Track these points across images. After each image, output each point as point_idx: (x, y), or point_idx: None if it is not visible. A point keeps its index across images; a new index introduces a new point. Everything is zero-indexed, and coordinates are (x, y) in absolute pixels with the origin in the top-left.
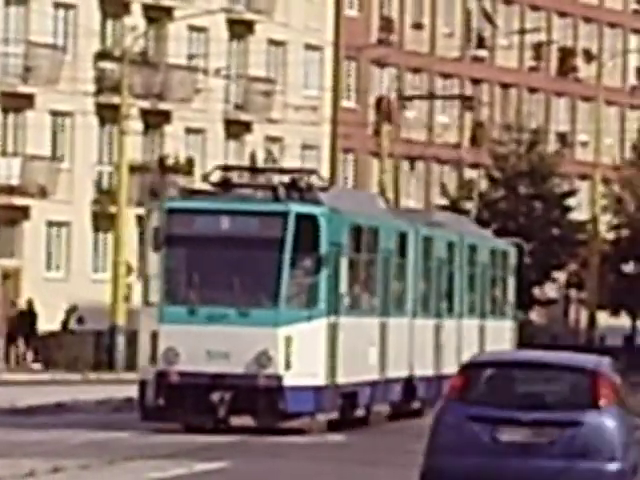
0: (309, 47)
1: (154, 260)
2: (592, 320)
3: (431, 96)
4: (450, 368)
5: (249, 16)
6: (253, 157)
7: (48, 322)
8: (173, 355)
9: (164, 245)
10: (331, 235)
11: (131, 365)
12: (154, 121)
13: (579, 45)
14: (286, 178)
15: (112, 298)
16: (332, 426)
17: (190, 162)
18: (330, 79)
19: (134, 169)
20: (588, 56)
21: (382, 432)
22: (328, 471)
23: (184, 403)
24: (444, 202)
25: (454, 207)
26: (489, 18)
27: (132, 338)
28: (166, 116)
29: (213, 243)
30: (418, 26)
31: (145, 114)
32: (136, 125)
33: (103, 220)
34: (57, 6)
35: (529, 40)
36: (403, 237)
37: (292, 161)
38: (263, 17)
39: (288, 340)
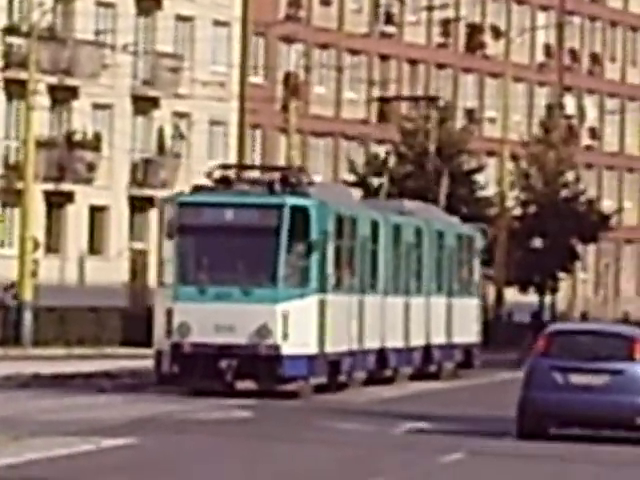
0: (217, 23)
1: (168, 247)
2: (500, 296)
3: (399, 98)
4: (418, 340)
5: None
6: (161, 133)
7: None
8: (186, 329)
9: (176, 234)
10: (320, 224)
11: (38, 341)
12: (61, 97)
13: (487, 21)
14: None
15: (19, 274)
16: (319, 389)
17: (97, 138)
18: (238, 55)
19: (41, 145)
20: (496, 33)
21: (290, 409)
22: (232, 446)
23: (196, 370)
24: (352, 178)
25: (362, 183)
26: None
27: (38, 314)
28: (73, 92)
29: (219, 232)
30: (326, 2)
31: (52, 90)
32: (43, 101)
33: (10, 196)
34: None
35: (437, 16)
36: (375, 225)
37: (200, 137)
38: None
39: (285, 315)
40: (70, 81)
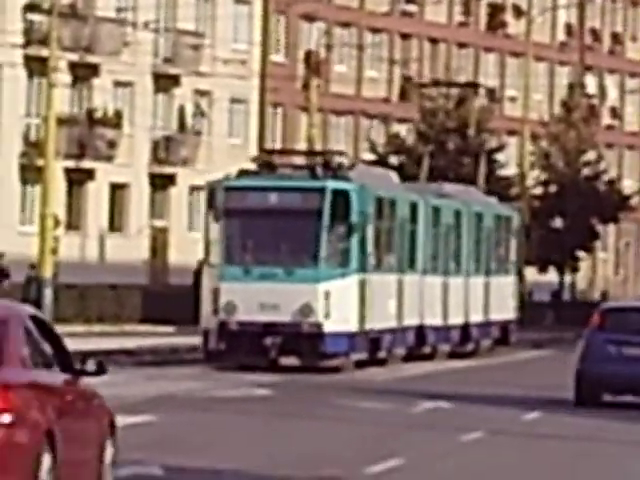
0: (238, 1)
1: (214, 229)
2: (520, 276)
3: (448, 84)
4: (457, 318)
5: None
6: (182, 111)
7: None
8: (232, 307)
9: (223, 217)
10: (360, 206)
11: (57, 318)
12: (82, 74)
13: (508, 1)
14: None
15: (39, 251)
16: (359, 365)
17: (118, 115)
18: (259, 33)
19: (62, 122)
20: (517, 11)
21: (309, 388)
22: (251, 424)
23: (242, 347)
24: (372, 157)
25: (382, 162)
26: None
27: (58, 291)
28: (94, 69)
29: (263, 215)
30: None
31: (73, 67)
32: (64, 78)
33: (30, 173)
34: None
35: None
36: (414, 207)
37: (220, 115)
38: None
39: (326, 294)
40: (91, 58)
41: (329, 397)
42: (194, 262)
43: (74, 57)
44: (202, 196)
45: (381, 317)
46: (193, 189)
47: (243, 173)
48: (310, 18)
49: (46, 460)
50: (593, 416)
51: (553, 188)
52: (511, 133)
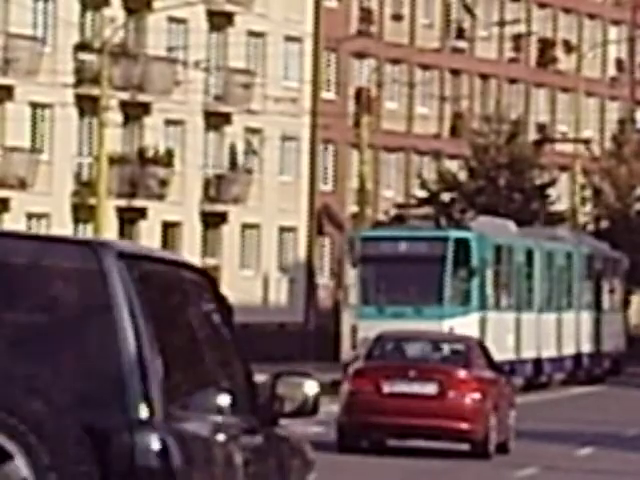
0: (289, 39)
1: (351, 274)
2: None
3: (556, 139)
4: (569, 349)
5: (229, 7)
6: (233, 149)
7: None
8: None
9: (360, 263)
10: (479, 252)
11: None
12: (134, 113)
13: (559, 36)
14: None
15: None
16: None
17: (170, 154)
18: (310, 71)
19: (113, 161)
20: (568, 47)
21: None
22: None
23: None
24: (423, 194)
25: (433, 199)
26: (468, 9)
27: None
28: (146, 108)
29: (395, 261)
30: (398, 17)
31: (125, 106)
32: (116, 117)
33: (83, 212)
34: None
35: (509, 31)
36: (530, 252)
37: (272, 153)
38: (243, 8)
39: (450, 329)
40: (142, 97)
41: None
42: (247, 300)
43: (125, 96)
44: (254, 234)
45: (500, 350)
46: (245, 227)
47: (378, 225)
48: (360, 55)
49: None
50: None
51: (605, 224)
52: (562, 169)
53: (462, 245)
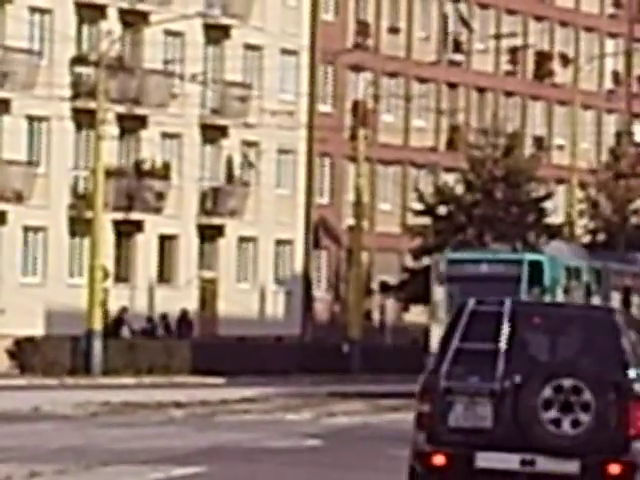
0: (285, 52)
1: (438, 291)
2: None
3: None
4: None
5: (225, 21)
6: (230, 162)
7: (25, 327)
8: None
9: (446, 281)
10: (551, 273)
11: (107, 370)
12: (130, 126)
13: (555, 49)
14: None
15: (88, 303)
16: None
17: (166, 167)
18: (306, 84)
19: (110, 174)
20: (564, 60)
21: (359, 438)
22: (301, 475)
23: None
24: (420, 207)
25: (430, 211)
26: (465, 22)
27: (108, 343)
28: (142, 121)
29: (477, 279)
30: (394, 30)
31: (121, 119)
32: (112, 130)
33: (79, 225)
34: (33, 11)
35: (505, 44)
36: (598, 272)
37: (268, 166)
38: (239, 22)
39: None
40: (139, 110)
41: (381, 447)
42: (243, 313)
43: (122, 109)
44: (251, 247)
45: None
46: (242, 240)
47: (461, 246)
48: (357, 68)
49: None
50: None
51: (601, 236)
52: (559, 181)
53: (535, 267)
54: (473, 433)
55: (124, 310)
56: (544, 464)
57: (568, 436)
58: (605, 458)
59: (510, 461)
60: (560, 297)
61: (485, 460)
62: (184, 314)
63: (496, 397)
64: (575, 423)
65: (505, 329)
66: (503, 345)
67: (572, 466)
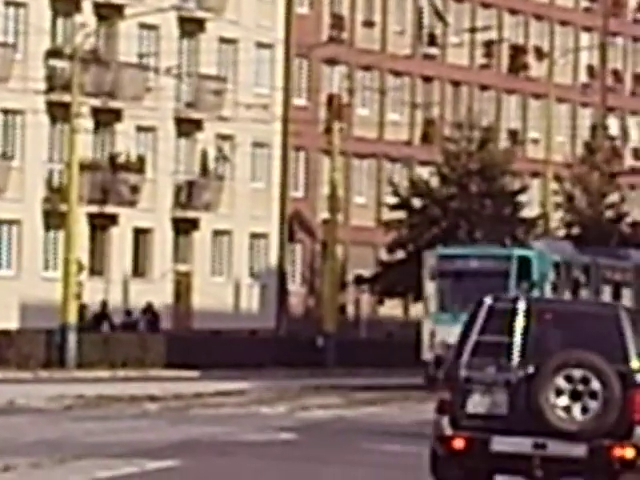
0: (260, 45)
1: (430, 286)
2: None
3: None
4: None
5: (200, 14)
6: (204, 155)
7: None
8: (445, 345)
9: (437, 276)
10: (539, 268)
11: (82, 363)
12: (105, 119)
13: (530, 43)
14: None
15: (63, 296)
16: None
17: (141, 160)
18: (281, 77)
19: (85, 167)
20: (539, 54)
21: (334, 431)
22: (275, 469)
23: None
24: (395, 200)
25: (404, 205)
26: (440, 16)
27: (82, 336)
28: (117, 114)
29: (466, 274)
30: (369, 24)
31: (96, 112)
32: (87, 123)
33: (54, 218)
34: (7, 4)
35: (480, 38)
36: (587, 267)
37: (243, 159)
38: (214, 15)
39: None
40: (113, 104)
41: (355, 440)
42: (218, 306)
43: (96, 103)
44: (225, 240)
45: None
46: (216, 233)
47: (453, 243)
48: (332, 62)
49: None
50: None
51: (576, 230)
52: (534, 175)
53: (524, 262)
54: (489, 419)
55: (105, 304)
56: (555, 447)
57: (577, 422)
58: (611, 442)
59: (523, 445)
60: (548, 291)
61: (500, 444)
62: (149, 307)
63: (511, 386)
64: (584, 410)
65: (519, 324)
66: (518, 338)
67: (580, 449)
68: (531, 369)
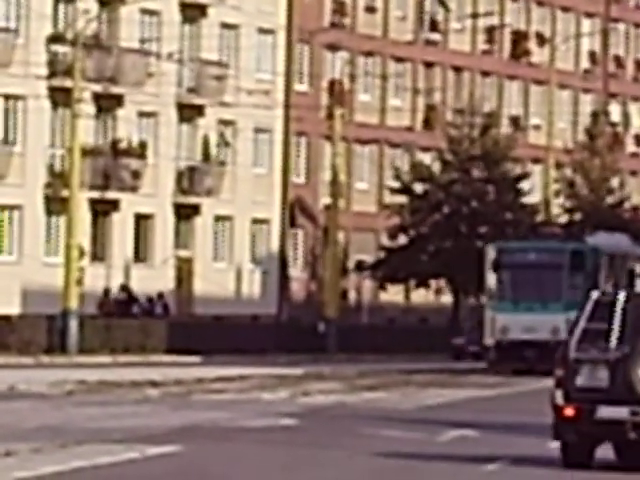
0: (262, 31)
1: (492, 277)
2: None
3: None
4: None
5: None
6: (206, 141)
7: (1, 306)
8: (505, 330)
9: (498, 268)
10: (592, 260)
11: (83, 349)
12: (107, 104)
13: (532, 29)
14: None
15: (64, 282)
16: None
17: (143, 146)
18: (283, 63)
19: (86, 152)
20: (541, 40)
21: (335, 417)
22: (276, 454)
23: (511, 357)
24: (397, 185)
25: (406, 190)
26: (442, 2)
27: (84, 322)
28: (119, 100)
29: (525, 266)
30: (371, 9)
31: (98, 98)
32: (89, 108)
33: (55, 203)
34: None
35: (482, 24)
36: None
37: (245, 145)
38: (215, 0)
39: (568, 320)
40: (115, 89)
41: (355, 426)
42: (219, 292)
43: (98, 88)
44: (227, 226)
45: None
46: (218, 219)
47: (515, 238)
48: (334, 48)
49: None
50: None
51: (577, 215)
52: (535, 161)
53: (578, 255)
54: (594, 391)
55: (127, 289)
56: None
57: None
58: None
59: (621, 412)
60: (602, 283)
61: (603, 412)
62: (160, 294)
63: (610, 364)
64: None
65: (618, 313)
66: (617, 325)
67: None
68: (627, 350)
